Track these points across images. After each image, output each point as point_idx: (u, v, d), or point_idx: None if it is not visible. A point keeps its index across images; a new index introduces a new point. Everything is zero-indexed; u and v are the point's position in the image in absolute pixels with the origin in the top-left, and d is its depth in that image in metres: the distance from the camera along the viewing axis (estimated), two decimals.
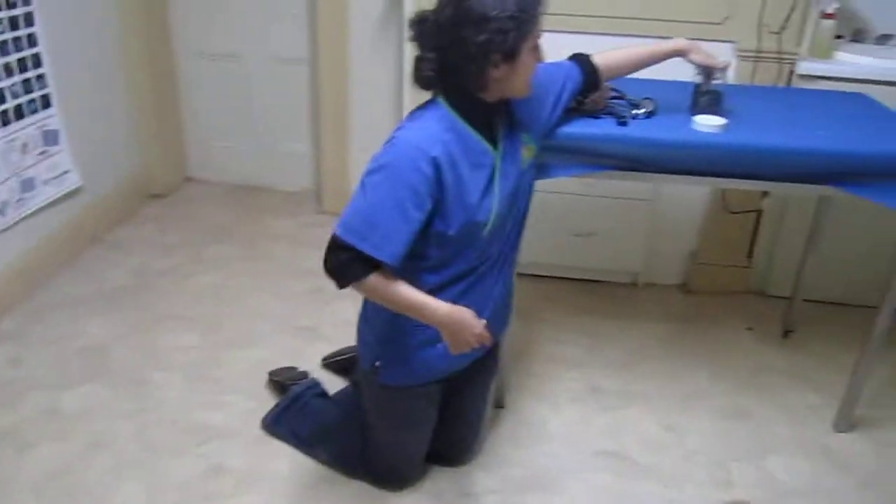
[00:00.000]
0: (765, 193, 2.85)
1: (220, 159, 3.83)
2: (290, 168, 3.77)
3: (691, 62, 2.01)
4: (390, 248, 1.54)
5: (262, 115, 3.70)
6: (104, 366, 2.45)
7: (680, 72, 2.30)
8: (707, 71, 2.02)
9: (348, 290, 1.62)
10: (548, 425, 2.29)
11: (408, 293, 1.61)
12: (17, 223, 2.77)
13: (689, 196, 2.91)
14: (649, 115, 2.02)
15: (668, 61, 2.04)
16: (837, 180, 1.94)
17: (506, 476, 2.08)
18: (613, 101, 2.07)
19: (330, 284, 1.62)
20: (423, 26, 1.58)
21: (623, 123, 1.95)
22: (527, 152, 1.77)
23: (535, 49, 1.59)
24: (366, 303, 1.84)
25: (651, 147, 1.90)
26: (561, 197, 2.86)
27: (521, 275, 2.95)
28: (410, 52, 2.71)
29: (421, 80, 1.61)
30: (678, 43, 1.99)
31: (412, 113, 1.66)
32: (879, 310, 2.11)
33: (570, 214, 2.90)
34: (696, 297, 3.01)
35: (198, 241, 3.26)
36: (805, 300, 2.77)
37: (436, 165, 1.54)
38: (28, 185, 2.81)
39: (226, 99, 3.69)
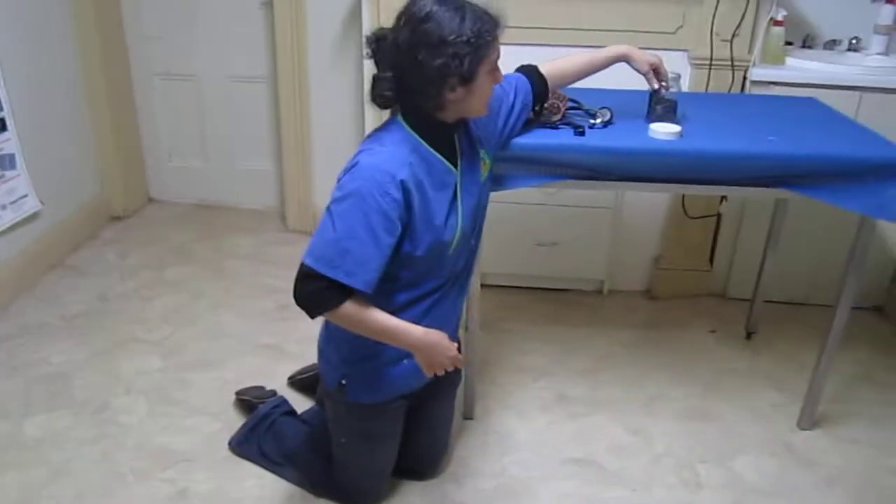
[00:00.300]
0: (723, 198, 2.90)
1: (181, 179, 3.79)
2: (252, 186, 3.75)
3: (634, 68, 2.05)
4: (364, 275, 1.53)
5: (222, 134, 3.68)
6: (66, 392, 2.41)
7: (636, 81, 2.34)
8: (653, 81, 2.06)
9: None
10: (516, 435, 2.29)
11: (381, 319, 1.60)
12: None
13: (650, 203, 2.95)
14: (606, 124, 2.05)
15: (626, 69, 2.08)
16: (791, 183, 1.99)
17: (476, 487, 2.08)
18: (570, 111, 2.10)
19: (294, 302, 1.60)
20: (380, 45, 1.58)
21: (580, 133, 1.97)
22: (483, 167, 1.78)
23: (493, 71, 1.59)
24: (327, 322, 1.82)
25: (608, 155, 1.93)
26: (523, 207, 2.89)
27: (485, 286, 2.98)
28: (370, 70, 2.73)
29: (378, 98, 1.61)
30: (619, 49, 2.03)
31: (373, 134, 1.65)
32: (836, 308, 2.16)
33: (533, 224, 2.93)
34: (660, 302, 3.04)
35: (159, 262, 3.22)
36: (766, 301, 2.82)
37: (404, 189, 1.54)
38: None
39: (185, 119, 3.67)
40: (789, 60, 2.79)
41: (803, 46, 2.99)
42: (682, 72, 2.24)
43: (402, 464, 2.01)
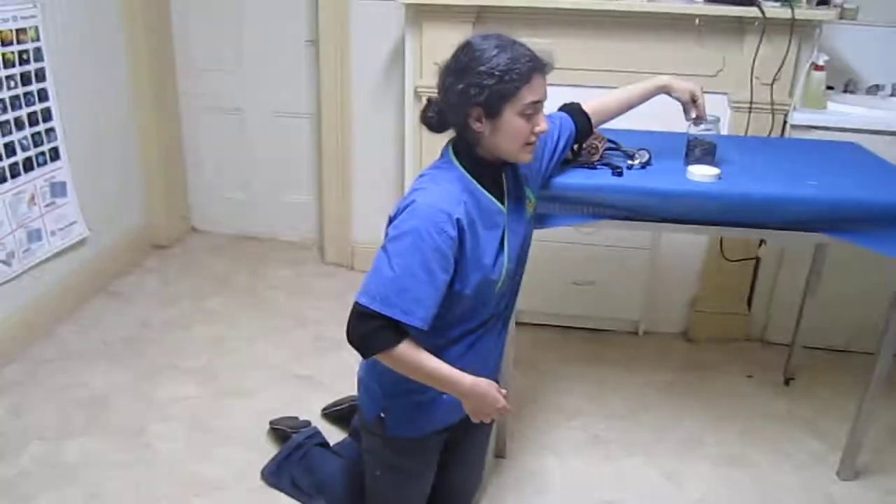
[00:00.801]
0: (762, 241, 2.87)
1: (224, 210, 3.88)
2: (292, 219, 3.82)
3: (674, 98, 2.05)
4: (420, 311, 1.51)
5: (264, 167, 3.76)
6: (104, 417, 2.45)
7: (674, 123, 2.36)
8: (692, 111, 2.04)
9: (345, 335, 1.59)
10: (550, 475, 2.27)
11: (434, 364, 1.58)
12: (22, 273, 2.80)
13: (688, 245, 2.93)
14: (644, 165, 2.06)
15: (665, 111, 2.09)
16: (830, 228, 1.97)
17: None
18: (609, 151, 2.11)
19: (331, 332, 1.63)
20: (440, 70, 1.62)
21: (619, 174, 1.98)
22: (529, 205, 1.79)
23: (528, 116, 1.56)
24: None
25: (646, 196, 1.93)
26: (560, 246, 2.89)
27: (520, 324, 2.98)
28: (411, 108, 2.78)
29: (423, 118, 1.68)
30: (660, 80, 2.04)
31: (427, 172, 1.66)
32: (877, 356, 2.12)
33: (570, 263, 2.93)
34: (696, 345, 3.01)
35: (200, 291, 3.28)
36: (805, 347, 2.78)
37: (459, 227, 1.54)
38: (35, 235, 2.84)
39: (229, 152, 3.76)
40: (830, 105, 2.78)
41: (844, 91, 2.98)
42: (721, 115, 2.24)
43: (434, 500, 2.00)
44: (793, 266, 2.86)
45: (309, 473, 2.13)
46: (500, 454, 2.32)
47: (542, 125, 1.60)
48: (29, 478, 2.19)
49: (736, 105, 2.73)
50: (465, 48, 1.55)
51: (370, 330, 1.52)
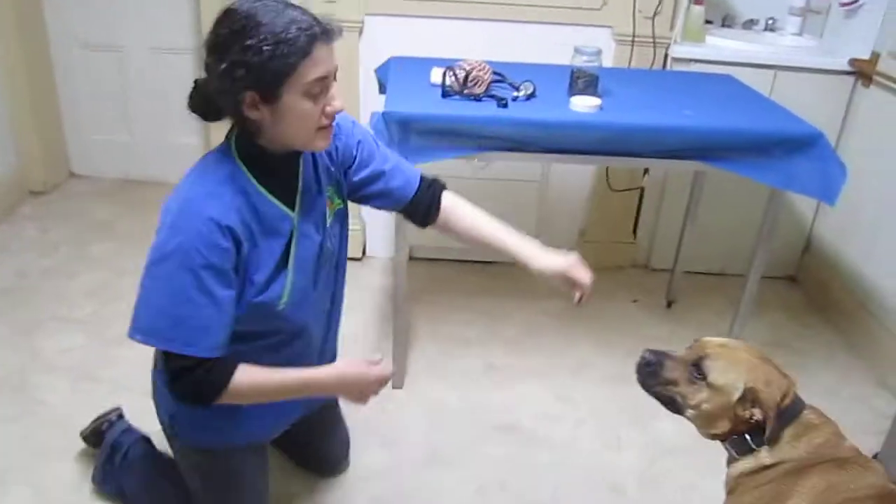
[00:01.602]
0: (646, 172, 2.98)
1: (104, 154, 3.69)
2: (179, 161, 3.65)
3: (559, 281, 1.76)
4: (207, 340, 1.31)
5: (147, 108, 3.59)
6: None
7: (559, 55, 2.39)
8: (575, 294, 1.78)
9: None
10: (446, 404, 2.34)
11: (284, 377, 1.40)
12: None
13: (575, 177, 3.01)
14: (529, 97, 2.09)
15: (550, 44, 2.10)
16: (707, 156, 2.07)
17: (405, 454, 2.12)
18: (495, 83, 2.13)
19: None
20: (202, 46, 1.32)
21: (504, 105, 2.00)
22: (331, 207, 1.54)
23: (315, 95, 1.30)
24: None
25: (531, 127, 1.97)
26: (451, 181, 2.86)
27: (414, 259, 3.01)
28: None
29: (190, 107, 1.40)
30: (558, 263, 1.76)
31: (199, 165, 1.38)
32: (747, 278, 2.26)
33: (462, 197, 2.95)
34: None
35: (81, 238, 3.14)
36: (685, 272, 2.94)
37: (234, 237, 1.31)
38: None
39: (107, 91, 3.56)
40: (709, 39, 2.88)
41: (722, 26, 3.10)
42: (604, 48, 2.28)
43: (305, 467, 1.97)
44: (674, 196, 2.98)
45: (133, 477, 1.84)
46: (396, 385, 2.36)
47: (336, 103, 1.35)
48: None
49: (619, 38, 2.79)
50: (226, 17, 1.26)
51: (191, 381, 1.32)
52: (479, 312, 2.80)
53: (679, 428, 2.26)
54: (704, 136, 2.02)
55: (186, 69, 3.47)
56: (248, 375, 1.36)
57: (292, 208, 1.44)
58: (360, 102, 2.88)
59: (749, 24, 3.12)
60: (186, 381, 1.32)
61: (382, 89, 2.48)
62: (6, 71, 3.24)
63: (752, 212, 2.85)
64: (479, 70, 2.06)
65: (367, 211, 3.10)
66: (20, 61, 3.27)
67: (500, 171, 2.90)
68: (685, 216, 2.78)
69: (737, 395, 1.37)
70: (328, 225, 1.53)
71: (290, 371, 1.42)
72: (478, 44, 2.68)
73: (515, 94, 2.08)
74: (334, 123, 1.41)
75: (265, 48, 1.22)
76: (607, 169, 2.93)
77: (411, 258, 2.04)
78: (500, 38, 2.73)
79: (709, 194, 2.79)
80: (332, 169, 1.54)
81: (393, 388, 2.35)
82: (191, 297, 1.28)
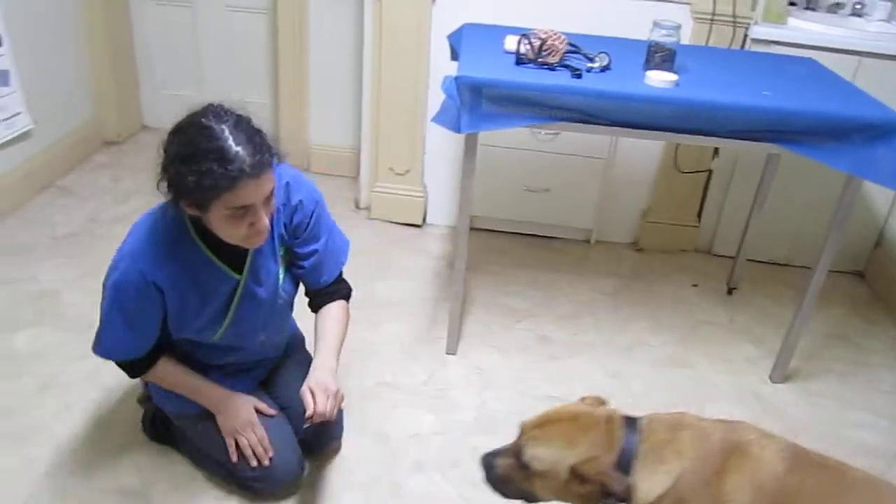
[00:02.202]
0: (715, 154, 2.92)
1: (175, 108, 3.74)
2: None
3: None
4: (121, 352, 1.69)
5: (217, 65, 3.65)
6: (56, 310, 2.44)
7: (633, 30, 2.35)
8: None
9: None
10: (497, 372, 2.35)
11: (183, 379, 1.76)
12: None
13: (643, 155, 2.97)
14: (604, 69, 2.06)
15: (626, 19, 2.06)
16: (783, 139, 2.01)
17: (454, 419, 2.14)
18: (569, 53, 2.10)
19: None
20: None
21: (577, 76, 1.98)
22: (284, 264, 1.75)
23: (239, 216, 1.46)
24: None
25: (603, 99, 1.94)
26: (517, 152, 2.90)
27: (473, 229, 3.01)
28: (371, 8, 2.70)
29: (158, 187, 1.53)
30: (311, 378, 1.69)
31: (144, 220, 1.62)
32: (814, 270, 2.20)
33: (525, 170, 2.95)
34: (645, 254, 3.09)
35: (152, 189, 3.20)
36: (749, 260, 2.88)
37: (158, 288, 1.58)
38: None
39: (180, 47, 3.63)
40: (791, 21, 2.79)
41: (806, 8, 2.99)
42: (683, 25, 2.23)
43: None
44: (743, 180, 2.92)
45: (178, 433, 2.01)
46: (450, 351, 2.38)
47: (259, 224, 1.49)
48: None
49: (698, 16, 2.72)
50: (174, 136, 1.45)
51: (119, 365, 1.75)
52: (535, 286, 2.80)
53: (731, 413, 2.25)
54: (782, 118, 1.96)
55: (259, 28, 3.51)
56: (160, 370, 1.74)
57: (238, 268, 1.65)
58: (429, 68, 2.88)
59: (835, 7, 3.01)
60: (119, 366, 1.75)
61: (454, 56, 2.47)
62: (88, 25, 3.33)
63: (823, 201, 2.79)
64: (555, 39, 2.03)
65: (429, 178, 3.11)
66: (100, 16, 3.36)
67: (565, 146, 2.87)
68: (753, 202, 2.71)
69: (564, 478, 1.35)
70: (280, 283, 1.74)
71: (192, 378, 1.76)
72: (552, 14, 2.65)
73: (590, 65, 2.05)
74: (278, 200, 1.60)
75: (190, 179, 1.40)
76: (676, 149, 2.88)
77: (471, 228, 2.04)
78: (575, 9, 2.69)
79: (780, 180, 2.72)
80: (286, 237, 1.73)
81: (446, 353, 2.37)
82: (115, 323, 1.63)
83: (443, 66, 2.67)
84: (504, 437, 2.07)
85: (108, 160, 3.46)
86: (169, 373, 1.76)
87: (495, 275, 2.84)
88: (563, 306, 2.69)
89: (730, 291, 2.88)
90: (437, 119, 2.05)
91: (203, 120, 1.44)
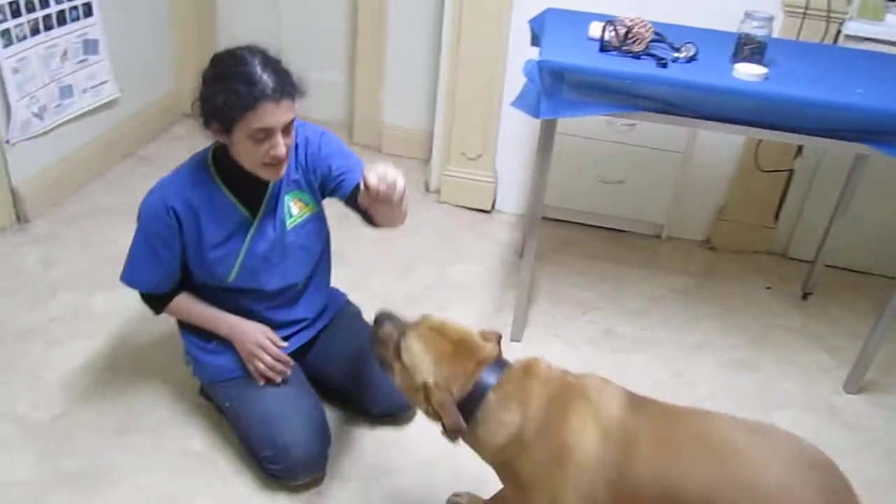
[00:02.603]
0: (798, 153, 2.83)
1: None
2: (322, 97, 3.76)
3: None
4: (142, 281, 1.81)
5: (296, 44, 3.68)
6: None
7: (720, 23, 2.29)
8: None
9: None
10: (560, 362, 2.30)
11: (196, 309, 1.86)
12: (54, 129, 2.81)
13: (722, 151, 2.89)
14: (690, 59, 2.01)
15: (713, 10, 1.99)
16: (874, 140, 1.93)
17: None
18: (654, 42, 2.05)
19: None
20: None
21: (663, 65, 1.94)
22: (299, 209, 1.82)
23: (259, 140, 1.59)
24: None
25: (690, 90, 1.89)
26: (591, 142, 2.86)
27: (544, 218, 2.98)
28: None
29: (193, 111, 1.67)
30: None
31: (184, 162, 1.80)
32: None
33: (599, 160, 2.90)
34: (718, 253, 3.01)
35: None
36: (827, 265, 2.78)
37: (175, 216, 1.71)
38: (66, 91, 2.84)
39: (260, 25, 3.68)
40: (889, 17, 2.66)
41: None
42: (773, 17, 2.15)
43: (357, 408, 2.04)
44: (826, 182, 2.81)
45: None
46: (515, 339, 2.37)
47: (277, 150, 1.61)
48: (62, 324, 2.28)
49: (789, 9, 2.62)
50: (211, 63, 1.62)
51: (142, 297, 1.87)
52: (603, 279, 2.76)
53: (798, 421, 2.18)
54: (875, 117, 1.88)
55: (338, 8, 3.53)
56: (179, 302, 1.85)
57: (254, 208, 1.76)
58: (507, 52, 2.86)
59: None
60: (142, 297, 1.87)
61: (535, 41, 2.45)
62: (173, 1, 3.41)
63: None
64: (641, 27, 1.99)
65: (500, 164, 3.09)
66: None
67: (642, 138, 2.82)
68: (836, 205, 2.61)
69: (417, 386, 1.42)
70: (292, 226, 1.81)
71: (209, 308, 1.85)
72: (637, 1, 2.59)
73: (675, 55, 2.00)
74: (302, 149, 1.77)
75: (219, 98, 1.56)
76: (757, 146, 2.79)
77: (541, 217, 2.02)
78: None
79: (867, 184, 2.60)
80: (301, 179, 1.80)
81: (511, 340, 2.36)
82: (141, 250, 1.77)
83: (522, 52, 2.64)
84: None
85: (186, 132, 3.54)
86: (186, 304, 1.86)
87: (563, 265, 2.81)
88: (630, 301, 2.65)
89: (805, 296, 2.78)
90: (517, 103, 2.03)
91: (237, 50, 1.62)
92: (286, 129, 1.62)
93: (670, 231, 3.06)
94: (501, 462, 1.43)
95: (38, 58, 2.67)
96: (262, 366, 1.81)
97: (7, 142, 2.62)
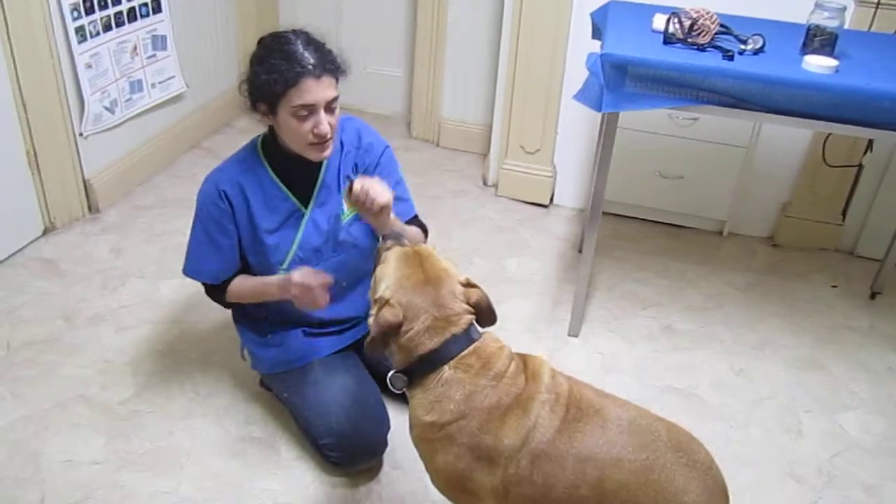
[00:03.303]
0: (868, 148, 2.74)
1: None
2: (381, 91, 3.81)
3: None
4: (207, 272, 1.83)
5: (356, 38, 3.73)
6: None
7: (787, 14, 2.24)
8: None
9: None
10: (619, 358, 2.31)
11: (253, 282, 1.84)
12: (124, 122, 2.91)
13: (787, 146, 2.82)
14: (757, 51, 1.97)
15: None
16: None
17: None
18: (720, 35, 2.02)
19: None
20: None
21: (730, 58, 1.90)
22: (351, 207, 1.80)
23: (302, 117, 1.62)
24: None
25: (758, 83, 1.85)
26: (652, 136, 2.82)
27: (603, 213, 2.96)
28: None
29: (240, 91, 1.72)
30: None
31: (236, 152, 1.84)
32: None
33: (660, 155, 2.86)
34: (782, 250, 2.94)
35: None
36: None
37: (227, 199, 1.75)
38: (136, 86, 2.93)
39: (321, 17, 3.74)
40: None
41: None
42: (845, 7, 2.09)
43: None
44: None
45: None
46: (572, 333, 2.36)
47: (321, 127, 1.63)
48: (131, 311, 2.36)
49: (861, 0, 2.55)
50: (257, 46, 1.66)
51: (204, 288, 1.89)
52: (663, 275, 2.72)
53: (867, 424, 2.12)
54: None
55: (397, 2, 3.56)
56: (232, 286, 1.85)
57: (305, 199, 1.80)
58: (568, 46, 2.84)
59: None
60: (205, 291, 1.90)
61: (596, 34, 2.43)
62: None
63: None
64: (706, 19, 1.96)
65: (559, 159, 3.08)
66: None
67: (704, 132, 2.77)
68: None
69: (375, 298, 1.37)
70: (344, 221, 1.84)
71: (262, 279, 1.83)
72: None
73: (742, 47, 1.96)
74: (364, 153, 1.81)
75: (263, 76, 1.60)
76: (825, 141, 2.71)
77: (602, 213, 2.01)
78: None
79: None
80: (354, 177, 1.75)
81: (569, 335, 2.36)
82: (201, 240, 1.80)
83: (582, 45, 2.62)
84: None
85: (248, 125, 3.60)
86: (243, 284, 1.85)
87: (621, 260, 2.79)
88: (691, 297, 2.61)
89: (873, 296, 2.70)
90: (579, 97, 2.02)
91: (282, 31, 1.66)
92: (329, 107, 1.65)
93: (733, 227, 3.00)
94: (421, 439, 1.39)
95: (110, 53, 2.76)
96: (311, 296, 1.73)
97: (80, 135, 2.71)
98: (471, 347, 1.35)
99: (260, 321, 1.95)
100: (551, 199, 3.14)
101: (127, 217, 2.84)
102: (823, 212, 2.90)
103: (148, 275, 2.52)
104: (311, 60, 1.60)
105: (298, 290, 1.72)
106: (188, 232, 1.85)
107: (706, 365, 2.31)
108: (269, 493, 1.81)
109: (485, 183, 3.26)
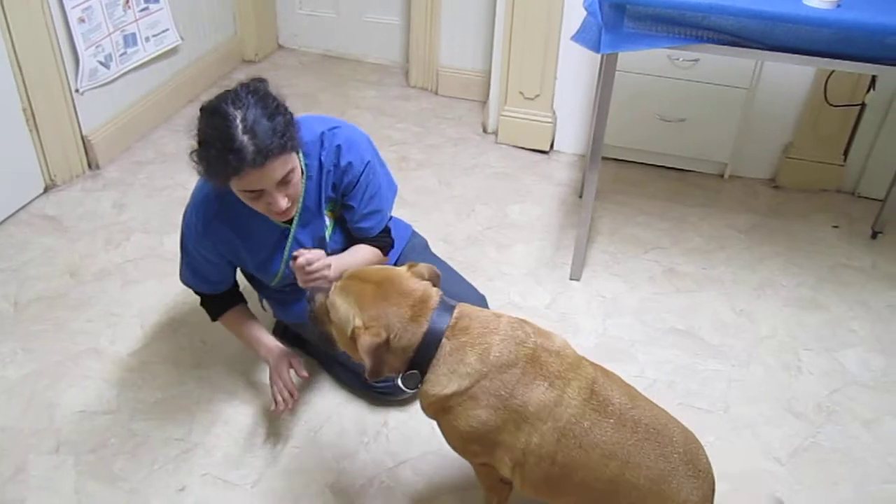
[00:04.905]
0: (870, 87, 2.71)
1: (310, 29, 3.85)
2: (378, 40, 3.77)
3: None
4: (199, 281, 1.84)
5: None
6: None
7: None
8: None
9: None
10: (621, 300, 2.33)
11: (244, 331, 1.89)
12: (120, 77, 2.89)
13: (788, 86, 2.79)
14: None
15: None
16: None
17: (575, 344, 2.12)
18: None
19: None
20: None
21: None
22: (330, 219, 1.83)
23: (253, 198, 1.56)
24: None
25: (757, 20, 1.83)
26: (652, 79, 2.80)
27: (604, 158, 2.95)
28: None
29: None
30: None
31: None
32: None
33: (660, 98, 2.84)
34: (784, 192, 2.94)
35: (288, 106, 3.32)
36: None
37: (211, 238, 1.73)
38: (130, 40, 2.90)
39: None
40: None
41: None
42: None
43: None
44: None
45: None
46: (574, 277, 2.38)
47: (274, 206, 1.57)
48: (136, 265, 2.38)
49: None
50: (202, 112, 1.52)
51: (201, 301, 1.92)
52: (665, 218, 2.73)
53: (867, 361, 2.15)
54: None
55: None
56: (225, 320, 1.90)
57: (289, 221, 1.74)
58: None
59: None
60: (201, 303, 1.92)
61: None
62: None
63: None
64: None
65: (558, 105, 3.06)
66: None
67: (705, 73, 2.74)
68: None
69: (350, 337, 1.34)
70: (328, 236, 1.83)
71: (254, 331, 1.88)
72: None
73: None
74: (329, 161, 1.72)
75: (204, 162, 1.52)
76: (827, 80, 2.69)
77: (601, 157, 2.00)
78: None
79: None
80: (334, 195, 1.79)
81: (570, 279, 2.37)
82: (192, 259, 1.80)
83: None
84: (624, 364, 2.08)
85: (246, 78, 3.58)
86: (237, 322, 1.90)
87: (623, 205, 2.79)
88: (692, 240, 2.62)
89: (874, 235, 2.71)
90: (577, 37, 2.00)
91: (223, 105, 1.49)
92: (284, 181, 1.55)
93: (734, 170, 3.00)
94: (440, 411, 1.38)
95: (102, 7, 2.73)
96: (274, 389, 1.81)
97: (77, 91, 2.70)
98: (455, 313, 1.37)
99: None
100: (552, 146, 3.13)
101: (128, 172, 2.84)
102: (825, 152, 2.89)
103: (151, 229, 2.53)
104: (251, 149, 1.45)
105: (273, 375, 1.82)
106: (189, 186, 1.85)
107: (708, 306, 2.33)
108: (278, 437, 1.85)
109: (484, 130, 3.24)
